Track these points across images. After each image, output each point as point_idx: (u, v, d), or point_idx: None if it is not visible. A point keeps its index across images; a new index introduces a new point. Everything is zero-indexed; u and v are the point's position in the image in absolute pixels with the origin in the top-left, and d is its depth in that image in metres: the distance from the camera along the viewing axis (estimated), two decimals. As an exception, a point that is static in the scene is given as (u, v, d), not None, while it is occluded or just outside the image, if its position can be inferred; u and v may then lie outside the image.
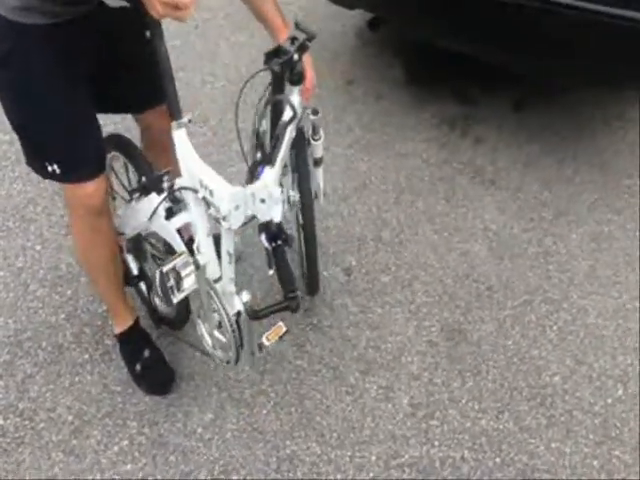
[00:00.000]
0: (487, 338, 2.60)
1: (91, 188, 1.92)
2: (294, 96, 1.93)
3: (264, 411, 2.33)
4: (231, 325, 1.94)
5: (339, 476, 2.18)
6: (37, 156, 1.90)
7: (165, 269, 1.80)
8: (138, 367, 2.35)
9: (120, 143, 2.21)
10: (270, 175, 1.78)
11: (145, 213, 1.97)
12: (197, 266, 1.86)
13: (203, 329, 2.14)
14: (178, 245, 1.94)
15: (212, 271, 1.91)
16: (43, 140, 1.86)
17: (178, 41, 3.88)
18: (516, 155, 3.39)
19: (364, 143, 3.42)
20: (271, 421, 2.30)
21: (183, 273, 1.84)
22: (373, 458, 2.23)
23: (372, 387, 2.41)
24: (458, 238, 2.98)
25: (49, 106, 1.78)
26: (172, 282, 1.82)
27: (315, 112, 2.03)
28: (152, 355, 2.38)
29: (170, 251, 2.00)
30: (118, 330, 2.40)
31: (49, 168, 1.86)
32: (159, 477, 2.14)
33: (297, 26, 1.80)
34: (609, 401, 2.42)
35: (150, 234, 2.13)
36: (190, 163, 1.77)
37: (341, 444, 2.26)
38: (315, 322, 2.58)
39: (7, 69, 1.72)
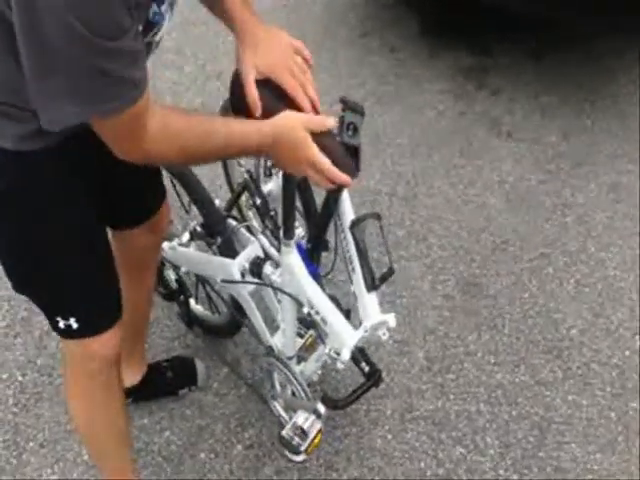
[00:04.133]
0: (503, 291, 2.58)
1: (110, 337, 1.55)
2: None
3: (279, 366, 2.33)
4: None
5: (354, 429, 2.18)
6: (46, 310, 1.54)
7: (284, 433, 1.76)
8: None
9: None
10: (377, 302, 1.67)
11: (214, 269, 1.91)
12: (295, 376, 1.87)
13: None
14: (250, 309, 1.92)
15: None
16: (55, 292, 1.50)
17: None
18: (533, 106, 3.33)
19: (379, 95, 3.36)
20: (286, 375, 2.30)
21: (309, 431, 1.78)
22: (388, 412, 2.23)
23: (387, 341, 2.39)
24: (474, 191, 2.94)
25: (60, 250, 1.43)
26: (297, 439, 1.76)
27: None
28: None
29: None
30: None
31: (61, 324, 1.49)
32: (176, 430, 2.15)
33: (345, 104, 1.60)
34: (627, 353, 2.40)
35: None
36: (302, 280, 1.70)
37: (356, 398, 2.26)
38: (330, 277, 2.56)
39: (4, 211, 1.37)
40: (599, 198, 2.91)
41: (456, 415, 2.23)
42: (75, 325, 1.48)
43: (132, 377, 2.11)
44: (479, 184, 2.97)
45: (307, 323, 1.97)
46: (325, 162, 1.31)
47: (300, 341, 2.00)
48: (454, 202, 2.89)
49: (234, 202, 2.21)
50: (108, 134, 1.16)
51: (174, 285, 2.25)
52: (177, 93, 3.34)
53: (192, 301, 2.34)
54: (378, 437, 2.17)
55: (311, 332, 2.01)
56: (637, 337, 2.44)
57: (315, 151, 1.31)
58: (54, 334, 2.28)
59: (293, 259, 1.72)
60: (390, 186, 2.95)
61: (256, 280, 1.85)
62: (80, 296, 1.49)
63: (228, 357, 2.34)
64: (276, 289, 1.82)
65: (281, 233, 1.70)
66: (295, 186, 1.65)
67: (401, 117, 3.26)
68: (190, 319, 2.31)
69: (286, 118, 1.32)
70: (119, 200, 1.65)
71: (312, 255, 1.91)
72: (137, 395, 2.15)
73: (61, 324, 1.49)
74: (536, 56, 3.60)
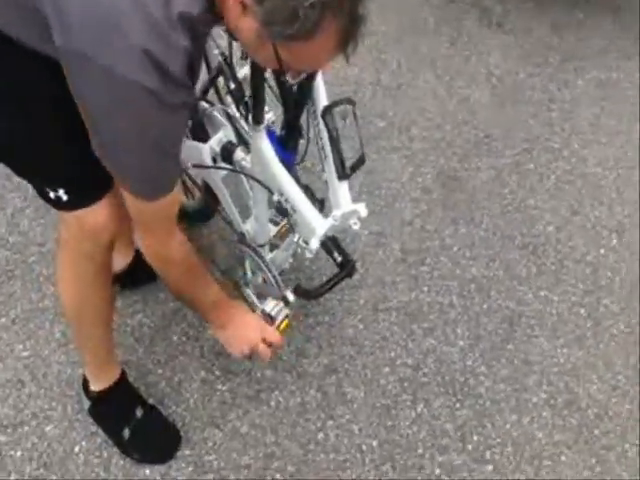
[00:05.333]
0: (483, 186, 2.55)
1: (103, 208, 1.49)
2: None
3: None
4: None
5: (327, 318, 2.19)
6: (34, 180, 1.49)
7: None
8: (127, 432, 1.87)
9: None
10: (348, 190, 1.65)
11: (185, 153, 1.81)
12: (266, 263, 1.87)
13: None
14: (222, 194, 1.90)
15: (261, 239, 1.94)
16: (38, 161, 1.43)
17: None
18: (526, -4, 3.22)
19: (366, -21, 3.23)
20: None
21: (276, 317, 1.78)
22: (361, 301, 2.24)
23: (363, 232, 2.38)
24: (460, 83, 2.88)
25: (41, 115, 1.37)
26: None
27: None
28: (148, 414, 1.91)
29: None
30: (100, 386, 1.87)
31: (51, 194, 1.44)
32: (149, 312, 2.15)
33: None
34: (602, 251, 2.40)
35: None
36: (272, 167, 1.65)
37: (330, 287, 2.26)
38: (309, 166, 2.51)
39: None
40: (586, 94, 2.85)
41: (428, 307, 2.24)
42: (65, 197, 1.44)
43: (120, 260, 2.05)
44: (465, 76, 2.90)
45: (282, 211, 1.94)
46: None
47: (275, 229, 1.98)
48: (439, 94, 2.83)
49: (209, 86, 2.13)
50: (145, 219, 1.36)
51: None
52: None
53: None
54: (350, 326, 2.18)
55: (286, 220, 1.98)
56: (614, 235, 2.44)
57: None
58: (27, 212, 2.30)
59: (262, 144, 1.67)
60: (374, 75, 2.87)
61: (225, 165, 1.81)
62: (65, 165, 1.44)
63: (203, 242, 2.32)
64: (246, 175, 1.78)
65: (250, 117, 1.65)
66: (264, 70, 1.59)
67: (387, 3, 3.14)
68: None
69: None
70: None
71: (287, 142, 1.86)
72: (125, 281, 2.11)
73: (51, 194, 1.45)
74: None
